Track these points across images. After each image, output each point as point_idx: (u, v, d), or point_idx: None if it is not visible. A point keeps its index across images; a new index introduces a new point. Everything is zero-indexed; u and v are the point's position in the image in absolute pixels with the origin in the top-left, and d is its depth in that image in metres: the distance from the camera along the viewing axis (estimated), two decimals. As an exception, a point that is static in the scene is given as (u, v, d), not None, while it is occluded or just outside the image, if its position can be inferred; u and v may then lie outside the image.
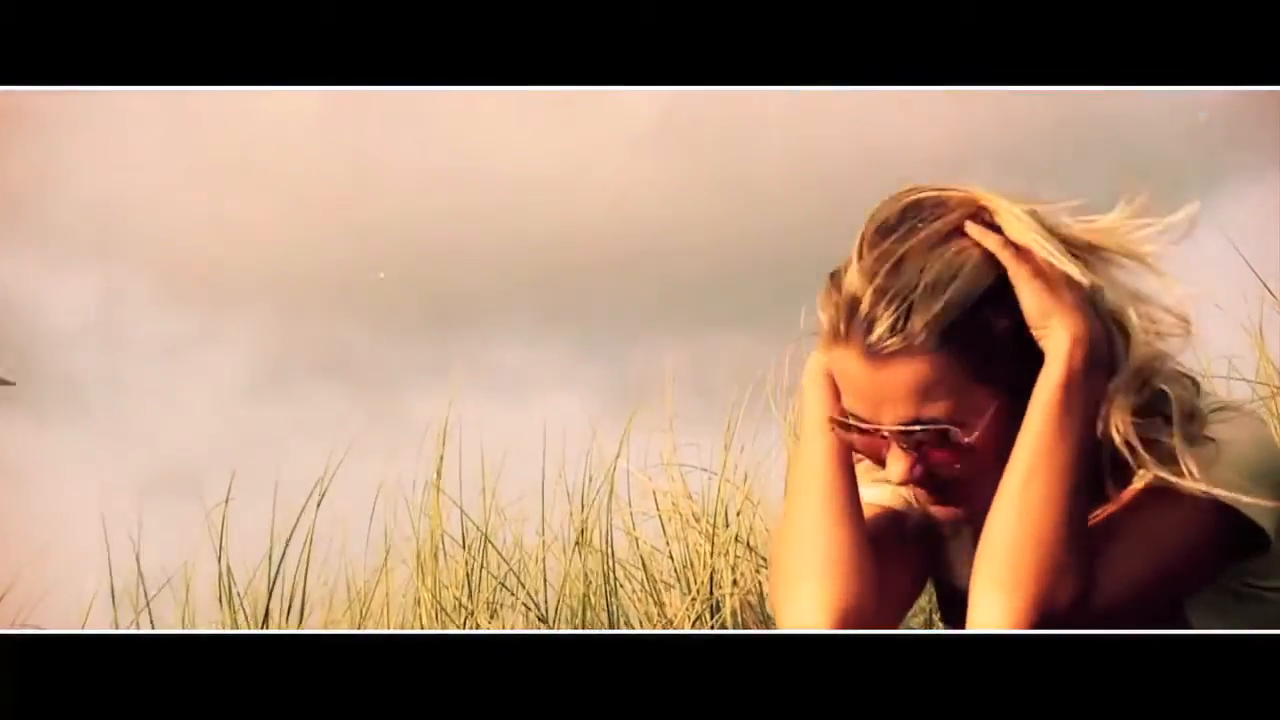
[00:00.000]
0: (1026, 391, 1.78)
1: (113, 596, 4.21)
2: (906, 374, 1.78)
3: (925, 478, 1.81)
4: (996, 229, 1.80)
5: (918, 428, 1.77)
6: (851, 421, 1.81)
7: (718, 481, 4.05)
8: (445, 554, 4.22)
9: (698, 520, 4.00)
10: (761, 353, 4.18)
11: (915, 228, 1.79)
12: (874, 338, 1.76)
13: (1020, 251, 1.79)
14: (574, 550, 4.09)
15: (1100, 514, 1.82)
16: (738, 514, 4.00)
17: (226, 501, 4.17)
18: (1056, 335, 1.79)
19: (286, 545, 4.19)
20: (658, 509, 4.11)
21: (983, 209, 1.81)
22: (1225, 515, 1.77)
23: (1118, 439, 1.80)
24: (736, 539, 3.91)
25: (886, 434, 1.79)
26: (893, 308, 1.76)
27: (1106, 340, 1.81)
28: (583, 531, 4.11)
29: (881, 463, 1.82)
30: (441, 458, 4.25)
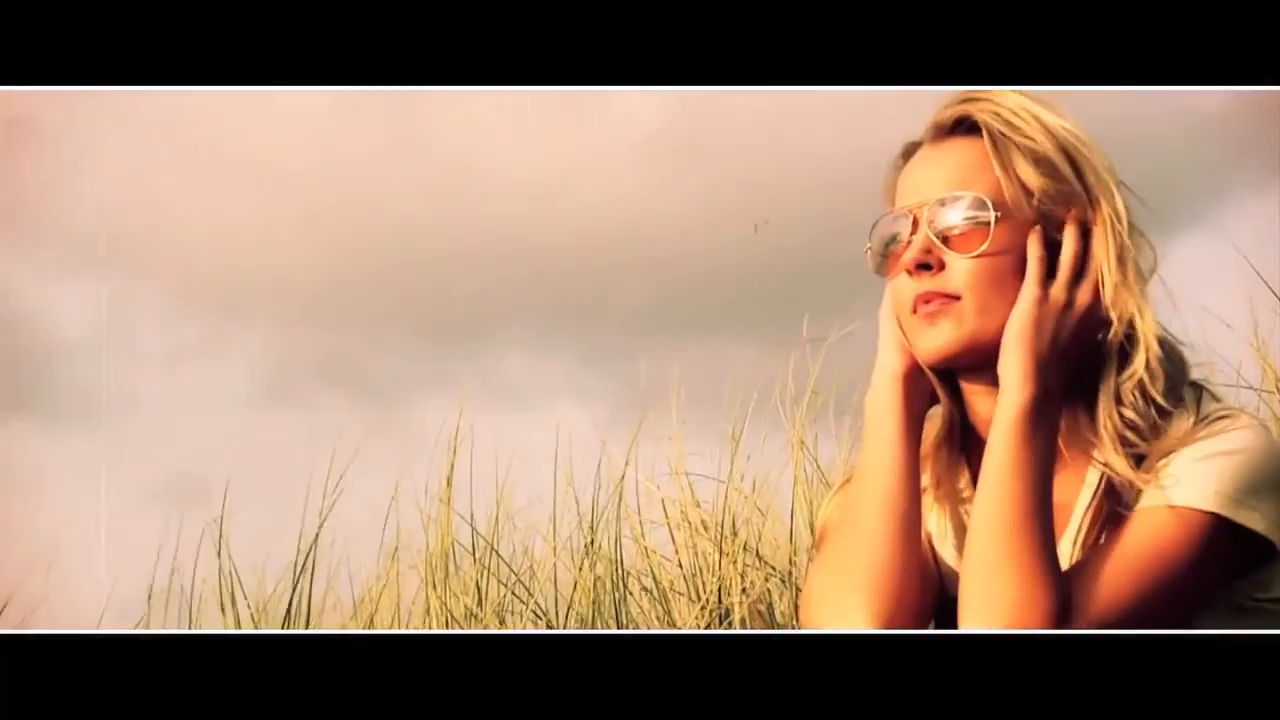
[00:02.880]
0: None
1: (150, 600, 4.22)
2: (962, 152, 1.86)
3: (931, 270, 1.83)
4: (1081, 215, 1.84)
5: (960, 193, 1.83)
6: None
7: (726, 489, 4.04)
8: (455, 563, 4.21)
9: (706, 528, 3.99)
10: (768, 359, 4.17)
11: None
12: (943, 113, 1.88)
13: (1051, 269, 1.82)
14: (583, 558, 4.08)
15: (1088, 539, 1.82)
16: (745, 522, 4.00)
17: (224, 509, 4.17)
18: (1010, 368, 1.80)
19: (296, 554, 4.20)
20: (666, 517, 4.11)
21: (1097, 204, 1.84)
22: (1222, 529, 1.75)
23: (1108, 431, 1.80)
24: (745, 547, 3.90)
25: (923, 217, 1.84)
26: (968, 100, 1.88)
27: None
28: (591, 540, 4.10)
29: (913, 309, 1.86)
30: (451, 466, 4.24)
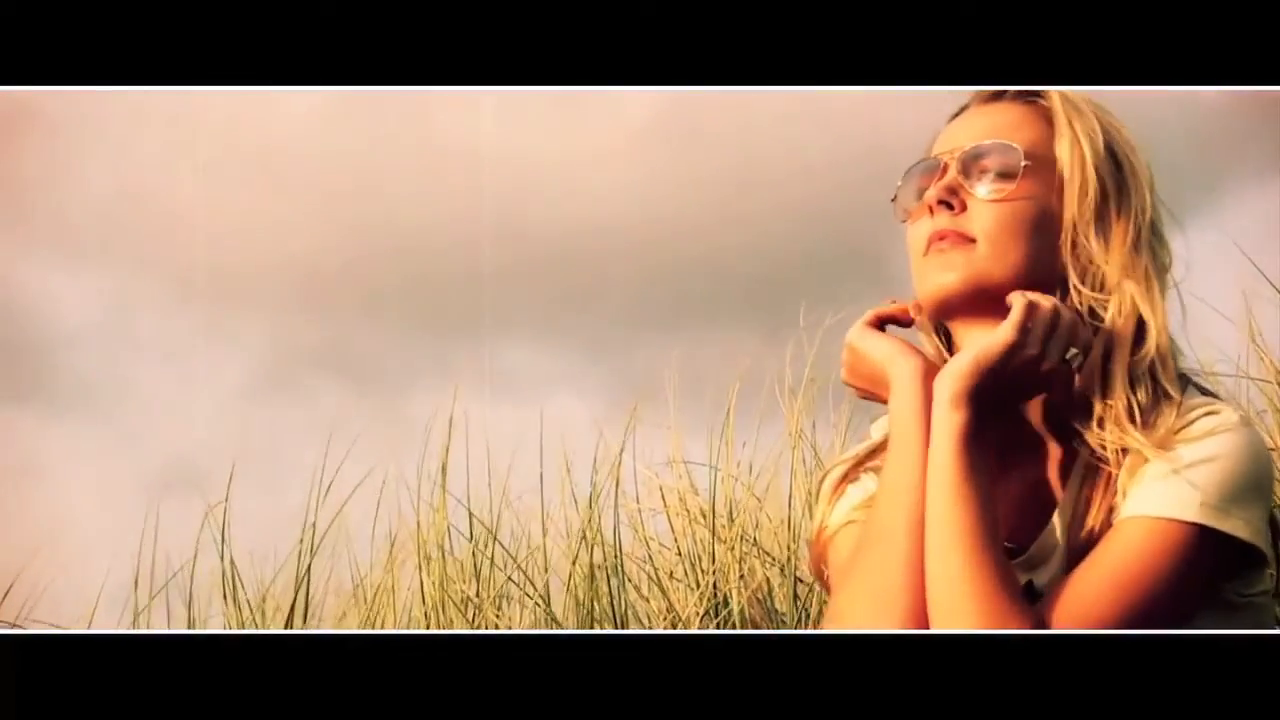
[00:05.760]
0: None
1: (135, 589, 4.23)
2: (1007, 111, 1.90)
3: (953, 210, 1.85)
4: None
5: (992, 141, 1.85)
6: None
7: (723, 477, 4.05)
8: (453, 549, 4.22)
9: (705, 516, 3.99)
10: (765, 349, 4.18)
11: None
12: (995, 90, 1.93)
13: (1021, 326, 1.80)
14: (580, 545, 4.09)
15: (1082, 515, 1.82)
16: (744, 510, 4.00)
17: (228, 497, 4.18)
18: (941, 393, 1.79)
19: (297, 542, 4.21)
20: (664, 505, 4.11)
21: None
22: (1207, 539, 1.73)
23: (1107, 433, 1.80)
24: (743, 536, 3.91)
25: (953, 160, 1.86)
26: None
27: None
28: (589, 526, 4.11)
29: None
30: (447, 449, 4.25)
